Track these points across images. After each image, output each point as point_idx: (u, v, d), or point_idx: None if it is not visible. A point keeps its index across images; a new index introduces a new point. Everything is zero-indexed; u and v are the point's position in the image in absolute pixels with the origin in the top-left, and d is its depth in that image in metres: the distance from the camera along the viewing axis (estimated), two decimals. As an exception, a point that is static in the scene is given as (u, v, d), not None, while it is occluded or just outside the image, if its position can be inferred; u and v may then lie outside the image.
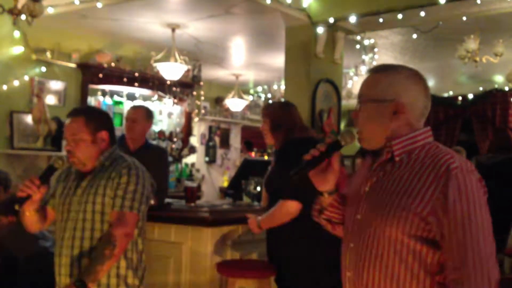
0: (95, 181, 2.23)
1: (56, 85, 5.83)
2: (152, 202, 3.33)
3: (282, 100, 5.81)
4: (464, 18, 4.98)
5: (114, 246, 2.12)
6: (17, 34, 5.41)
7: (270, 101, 9.64)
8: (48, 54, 5.70)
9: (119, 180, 2.20)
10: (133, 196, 2.19)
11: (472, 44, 5.48)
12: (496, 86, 7.98)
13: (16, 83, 5.44)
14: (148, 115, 3.58)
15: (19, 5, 4.12)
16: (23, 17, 4.16)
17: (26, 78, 5.57)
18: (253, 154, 8.80)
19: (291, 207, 2.76)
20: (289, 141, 2.94)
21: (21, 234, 2.46)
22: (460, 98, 8.22)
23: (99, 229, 2.18)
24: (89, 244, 2.17)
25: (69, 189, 2.27)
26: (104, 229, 2.18)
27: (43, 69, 5.70)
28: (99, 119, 2.30)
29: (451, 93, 8.51)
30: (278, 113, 3.03)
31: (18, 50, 5.50)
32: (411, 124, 1.45)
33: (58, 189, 2.32)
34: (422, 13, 4.73)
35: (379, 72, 1.52)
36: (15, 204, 2.07)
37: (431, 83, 8.52)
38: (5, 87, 5.34)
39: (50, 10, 5.02)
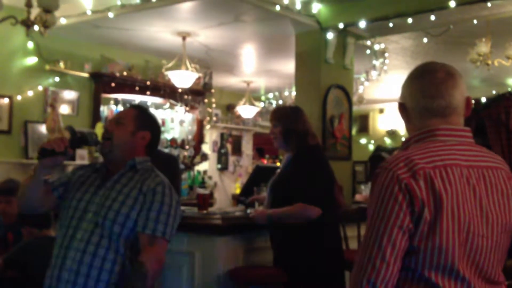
0: (121, 185, 2.02)
1: (69, 94, 5.90)
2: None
3: (292, 105, 5.82)
4: (475, 22, 4.96)
5: (146, 277, 1.88)
6: (30, 45, 5.50)
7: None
8: (61, 64, 5.77)
9: (152, 198, 1.98)
10: (167, 220, 2.00)
11: (483, 47, 5.45)
12: (509, 89, 7.90)
13: (30, 93, 5.51)
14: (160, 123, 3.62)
15: (32, 16, 4.17)
16: (36, 28, 4.21)
17: (40, 88, 5.65)
18: (265, 160, 8.80)
19: (312, 213, 2.82)
20: (306, 147, 2.97)
21: (46, 251, 2.19)
22: (472, 101, 8.14)
23: (114, 249, 1.94)
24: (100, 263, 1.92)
25: (89, 186, 2.06)
26: (120, 248, 1.94)
27: (57, 79, 5.77)
28: (149, 121, 2.20)
29: (463, 96, 8.45)
30: (291, 118, 3.05)
31: (31, 60, 5.58)
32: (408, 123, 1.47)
33: (75, 183, 2.10)
34: (432, 17, 4.72)
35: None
36: (38, 153, 1.94)
37: (443, 87, 8.47)
38: (19, 97, 5.41)
39: (62, 21, 5.09)
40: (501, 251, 1.36)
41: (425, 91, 1.41)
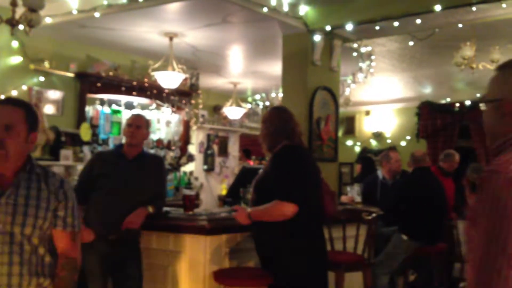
0: (21, 191, 1.91)
1: (54, 94, 5.85)
2: (150, 210, 3.35)
3: (278, 105, 5.84)
4: (460, 25, 5.02)
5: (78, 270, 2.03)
6: (15, 44, 5.44)
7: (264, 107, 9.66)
8: (46, 64, 5.72)
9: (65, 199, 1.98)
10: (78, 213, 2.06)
11: (468, 51, 5.51)
12: (493, 92, 7.99)
13: (14, 92, 5.45)
14: (148, 123, 3.60)
15: (17, 15, 4.13)
16: (21, 27, 4.17)
17: (24, 87, 5.59)
18: (251, 162, 8.80)
19: (287, 209, 2.82)
20: (287, 146, 2.99)
21: None
22: (457, 104, 8.24)
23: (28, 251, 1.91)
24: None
25: None
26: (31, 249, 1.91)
27: (41, 78, 5.72)
28: (37, 119, 2.02)
29: (448, 99, 8.55)
30: (272, 118, 3.09)
31: (16, 60, 5.52)
32: None
33: None
34: (418, 21, 4.77)
35: (498, 70, 1.43)
36: None
37: (428, 89, 8.56)
38: (3, 96, 5.35)
39: (48, 20, 5.04)
40: None
41: None
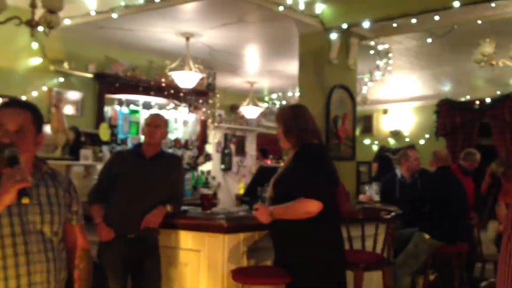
0: (40, 190, 1.96)
1: (73, 95, 5.92)
2: (169, 208, 3.37)
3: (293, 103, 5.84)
4: (479, 22, 4.95)
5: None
6: (35, 45, 5.52)
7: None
8: (66, 65, 5.79)
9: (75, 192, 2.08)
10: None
11: (488, 47, 5.43)
12: (513, 89, 7.88)
13: (34, 93, 5.53)
14: (167, 122, 3.63)
15: (36, 17, 4.19)
16: (40, 28, 4.23)
17: (45, 88, 5.66)
18: (268, 161, 8.80)
19: (312, 206, 2.80)
20: (308, 144, 2.99)
21: None
22: (477, 102, 8.13)
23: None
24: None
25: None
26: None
27: (61, 79, 5.79)
28: (43, 120, 2.05)
29: (468, 97, 8.43)
30: (289, 115, 3.07)
31: (36, 61, 5.60)
32: None
33: None
34: (437, 17, 4.71)
35: None
36: (23, 196, 1.74)
37: (447, 87, 8.46)
38: (24, 97, 5.43)
39: (67, 22, 5.11)
40: None
41: None
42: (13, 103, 2.00)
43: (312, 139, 3.02)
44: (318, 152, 2.99)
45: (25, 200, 1.73)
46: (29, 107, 2.00)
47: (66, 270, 2.03)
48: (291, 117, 3.05)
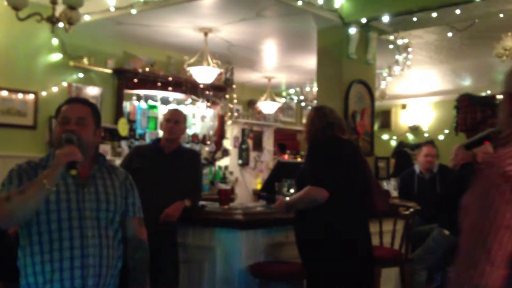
0: (98, 180, 2.12)
1: (93, 90, 5.98)
2: (187, 203, 3.39)
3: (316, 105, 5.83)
4: (501, 15, 4.86)
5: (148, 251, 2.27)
6: (55, 41, 5.58)
7: (303, 104, 9.62)
8: (85, 61, 5.84)
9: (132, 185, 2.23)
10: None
11: (509, 41, 5.35)
12: (535, 84, 7.74)
13: (55, 89, 5.60)
14: (186, 118, 3.66)
15: (57, 13, 4.24)
16: (60, 24, 4.28)
17: (64, 84, 5.73)
18: (286, 156, 8.79)
19: (317, 193, 2.88)
20: (317, 139, 3.09)
21: None
22: (498, 97, 8.01)
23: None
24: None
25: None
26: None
27: (80, 75, 5.85)
28: (101, 117, 2.23)
29: (488, 92, 8.31)
30: (311, 115, 3.20)
31: (56, 57, 5.66)
32: None
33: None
34: (457, 11, 4.65)
35: None
36: (72, 169, 1.93)
37: (467, 82, 8.35)
38: (44, 93, 5.50)
39: (86, 18, 5.15)
40: None
41: None
42: (75, 100, 2.24)
43: (335, 133, 3.07)
44: (327, 144, 3.06)
45: (73, 172, 1.93)
46: (89, 103, 2.20)
47: (121, 260, 2.13)
48: (313, 117, 3.17)
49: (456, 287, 1.21)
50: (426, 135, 9.23)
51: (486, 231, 1.18)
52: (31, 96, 5.43)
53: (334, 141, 3.08)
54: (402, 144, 9.37)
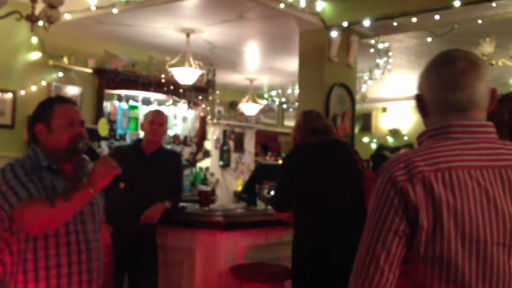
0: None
1: (72, 90, 5.91)
2: (167, 205, 3.38)
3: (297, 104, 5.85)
4: (480, 21, 4.95)
5: None
6: (34, 40, 5.51)
7: (285, 106, 9.65)
8: (65, 60, 5.78)
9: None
10: None
11: (488, 47, 5.43)
12: (513, 89, 7.89)
13: (33, 88, 5.52)
14: (167, 119, 3.65)
15: (37, 12, 4.18)
16: (40, 23, 4.22)
17: (44, 83, 5.65)
18: (267, 157, 8.80)
19: (280, 216, 3.06)
20: (294, 147, 3.13)
21: None
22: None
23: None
24: None
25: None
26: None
27: (60, 74, 5.78)
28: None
29: (467, 96, 8.43)
30: (298, 120, 3.19)
31: (35, 55, 5.59)
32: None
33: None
34: (437, 17, 4.71)
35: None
36: (120, 182, 1.94)
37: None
38: (23, 92, 5.42)
39: (67, 16, 5.10)
40: None
41: (445, 82, 1.27)
42: (70, 100, 2.14)
43: (312, 139, 3.00)
44: (289, 154, 3.06)
45: (122, 185, 1.93)
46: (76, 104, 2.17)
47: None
48: (296, 121, 3.19)
49: None
50: (405, 138, 9.33)
51: (376, 235, 1.19)
52: (9, 95, 5.34)
53: (303, 150, 3.01)
54: (382, 147, 9.46)
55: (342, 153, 3.00)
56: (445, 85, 1.27)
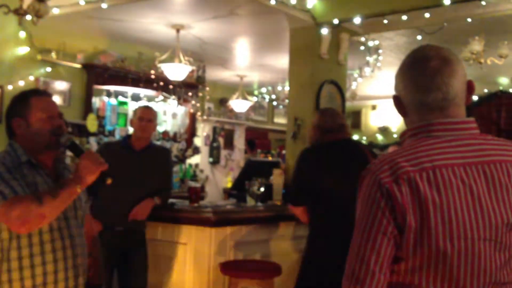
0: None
1: (61, 85, 5.86)
2: (157, 201, 3.36)
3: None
4: (469, 20, 4.97)
5: None
6: (22, 34, 5.43)
7: (275, 103, 9.64)
8: (53, 55, 5.72)
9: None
10: None
11: (476, 45, 5.47)
12: (501, 88, 7.95)
13: (21, 83, 5.46)
14: (157, 115, 3.63)
15: (25, 6, 4.13)
16: (28, 17, 4.18)
17: (31, 78, 5.59)
18: (256, 154, 8.80)
19: (293, 211, 3.03)
20: (305, 148, 3.16)
21: None
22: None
23: None
24: None
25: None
26: None
27: (48, 69, 5.72)
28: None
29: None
30: (314, 119, 3.23)
31: (23, 50, 5.52)
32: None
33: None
34: (427, 15, 4.73)
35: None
36: (107, 177, 1.91)
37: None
38: (10, 87, 5.36)
39: (55, 11, 5.04)
40: (509, 251, 1.22)
41: (419, 84, 1.28)
42: (46, 93, 2.11)
43: (324, 138, 3.05)
44: (300, 156, 3.05)
45: (109, 181, 1.91)
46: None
47: None
48: (312, 124, 3.21)
49: None
50: (395, 135, 9.38)
51: (365, 238, 1.20)
52: (-4, 90, 5.28)
53: (316, 148, 3.04)
54: (371, 145, 9.50)
55: (355, 151, 3.04)
56: (419, 86, 1.28)
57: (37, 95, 2.02)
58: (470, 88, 1.31)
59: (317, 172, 2.92)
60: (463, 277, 1.17)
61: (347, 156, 2.99)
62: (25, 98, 2.00)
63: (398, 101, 1.36)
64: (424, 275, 1.18)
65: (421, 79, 1.28)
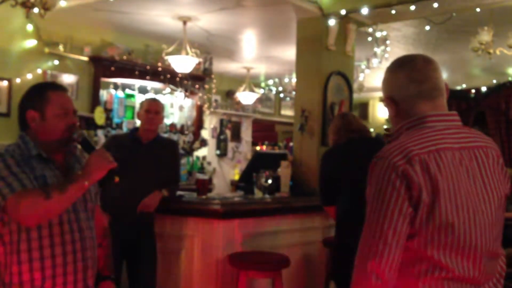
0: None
1: (68, 78, 5.87)
2: (165, 193, 3.37)
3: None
4: (478, 10, 4.92)
5: None
6: (30, 27, 5.45)
7: (282, 95, 9.62)
8: (61, 47, 5.73)
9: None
10: None
11: (485, 36, 5.42)
12: (510, 78, 7.88)
13: (29, 76, 5.48)
14: (164, 108, 3.64)
15: (32, -1, 4.14)
16: (36, 10, 4.18)
17: (39, 71, 5.61)
18: (264, 147, 8.80)
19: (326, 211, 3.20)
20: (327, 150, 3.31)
21: None
22: (473, 91, 8.14)
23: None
24: None
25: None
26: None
27: (56, 62, 5.74)
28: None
29: (464, 86, 8.43)
30: (333, 123, 3.35)
31: (31, 43, 5.54)
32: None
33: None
34: (435, 5, 4.68)
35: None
36: (115, 176, 1.92)
37: (443, 75, 8.44)
38: (18, 80, 5.39)
39: (62, 3, 5.04)
40: (500, 225, 1.44)
41: (412, 77, 1.47)
42: (62, 87, 2.06)
43: (341, 139, 3.16)
44: (324, 155, 3.19)
45: (117, 179, 1.94)
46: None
47: None
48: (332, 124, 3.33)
49: (358, 268, 1.33)
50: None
51: (382, 217, 1.32)
52: (4, 83, 5.31)
53: (339, 147, 3.16)
54: (378, 137, 9.47)
55: (377, 148, 3.11)
56: (413, 79, 1.47)
57: (54, 89, 1.98)
58: (446, 87, 1.53)
59: (345, 166, 3.04)
60: (468, 244, 1.34)
61: (371, 152, 3.05)
62: (42, 91, 1.95)
63: (391, 101, 1.51)
64: (435, 247, 1.32)
65: (413, 73, 1.47)
